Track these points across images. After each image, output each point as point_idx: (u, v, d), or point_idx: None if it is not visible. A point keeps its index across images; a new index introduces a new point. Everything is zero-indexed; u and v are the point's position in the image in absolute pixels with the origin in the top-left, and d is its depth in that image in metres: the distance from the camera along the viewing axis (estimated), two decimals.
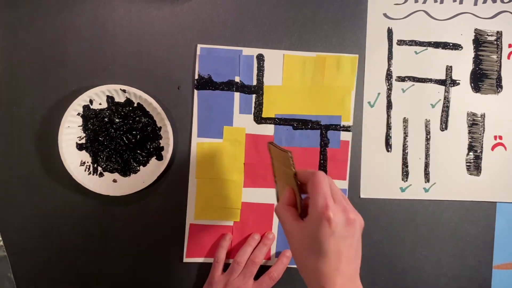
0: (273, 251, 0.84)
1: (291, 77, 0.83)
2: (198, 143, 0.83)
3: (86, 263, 0.84)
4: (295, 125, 0.83)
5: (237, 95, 0.83)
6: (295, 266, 0.84)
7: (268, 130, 0.83)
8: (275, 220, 0.84)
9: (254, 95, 0.83)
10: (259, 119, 0.83)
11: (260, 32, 0.83)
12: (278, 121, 0.83)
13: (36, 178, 0.82)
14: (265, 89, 0.83)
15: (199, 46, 0.82)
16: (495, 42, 0.84)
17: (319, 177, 0.57)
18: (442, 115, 0.84)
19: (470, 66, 0.84)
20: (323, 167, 0.84)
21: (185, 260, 0.84)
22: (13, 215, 0.83)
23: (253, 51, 0.83)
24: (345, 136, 0.84)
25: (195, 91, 0.82)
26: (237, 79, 0.83)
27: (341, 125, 0.83)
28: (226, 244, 0.83)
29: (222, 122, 0.83)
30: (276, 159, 0.69)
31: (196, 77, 0.82)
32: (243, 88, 0.83)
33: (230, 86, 0.83)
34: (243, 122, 0.83)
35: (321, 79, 0.83)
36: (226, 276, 0.80)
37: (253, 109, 0.83)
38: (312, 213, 0.56)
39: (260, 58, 0.83)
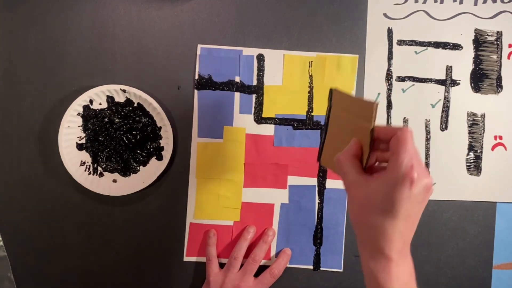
0: (273, 251, 0.84)
1: (291, 77, 0.82)
2: (198, 143, 0.83)
3: (86, 263, 0.83)
4: (295, 125, 0.83)
5: (237, 95, 0.82)
6: (295, 266, 0.84)
7: (268, 130, 0.83)
8: (275, 220, 0.84)
9: (254, 95, 0.82)
10: (259, 119, 0.83)
11: (260, 32, 0.82)
12: (278, 121, 0.83)
13: (36, 178, 0.82)
14: (265, 89, 0.83)
15: (199, 46, 0.82)
16: (495, 42, 0.83)
17: (408, 134, 0.51)
18: (442, 115, 0.84)
19: (470, 66, 0.84)
20: (323, 167, 0.83)
21: (185, 259, 0.84)
22: (13, 215, 0.83)
23: (253, 51, 0.82)
24: None
25: (196, 91, 0.82)
26: (237, 79, 0.82)
27: None
28: (212, 241, 0.83)
29: (222, 122, 0.82)
30: (341, 108, 0.61)
31: (197, 77, 0.82)
32: (243, 88, 0.82)
33: (230, 86, 0.82)
34: (243, 122, 0.83)
35: (321, 79, 0.82)
36: (224, 273, 0.79)
37: (253, 109, 0.82)
38: (392, 170, 0.51)
39: (260, 58, 0.82)
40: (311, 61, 0.82)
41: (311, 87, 0.83)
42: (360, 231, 0.55)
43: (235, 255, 0.80)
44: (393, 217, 0.50)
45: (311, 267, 0.84)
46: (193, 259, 0.84)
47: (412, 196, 0.50)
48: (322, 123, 0.83)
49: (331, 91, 0.62)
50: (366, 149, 0.55)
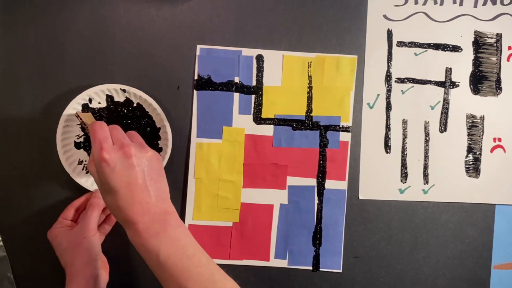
0: (272, 251, 0.84)
1: (290, 77, 0.82)
2: (197, 143, 0.82)
3: None
4: (294, 125, 0.83)
5: (236, 95, 0.82)
6: (294, 267, 0.84)
7: (267, 130, 0.82)
8: (275, 221, 0.83)
9: (253, 96, 0.82)
10: (259, 119, 0.82)
11: (259, 32, 0.82)
12: (278, 122, 0.82)
13: (35, 176, 0.82)
14: (264, 89, 0.82)
15: (198, 46, 0.82)
16: (495, 44, 0.83)
17: (93, 127, 0.63)
18: (441, 117, 0.84)
19: (469, 68, 0.83)
20: (322, 167, 0.83)
21: None
22: (12, 215, 0.82)
23: (253, 52, 0.82)
24: (344, 136, 0.83)
25: (195, 92, 0.82)
26: (236, 79, 0.82)
27: (340, 126, 0.83)
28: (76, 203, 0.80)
29: (221, 123, 0.82)
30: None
31: (196, 77, 0.82)
32: (243, 89, 0.82)
33: (229, 86, 0.82)
34: (243, 123, 0.82)
35: (321, 80, 0.82)
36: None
37: (252, 109, 0.82)
38: (94, 160, 0.61)
39: (260, 58, 0.82)
40: (310, 62, 0.82)
41: (310, 88, 0.82)
42: (114, 215, 0.62)
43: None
44: (115, 193, 0.59)
45: (310, 268, 0.84)
46: None
47: (116, 169, 0.59)
48: (322, 123, 0.83)
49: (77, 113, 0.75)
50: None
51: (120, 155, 0.60)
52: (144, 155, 0.62)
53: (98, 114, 0.80)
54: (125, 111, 0.80)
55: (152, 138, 0.80)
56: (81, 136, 0.80)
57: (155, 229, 0.59)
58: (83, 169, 0.80)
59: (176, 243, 0.59)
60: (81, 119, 0.75)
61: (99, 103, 0.80)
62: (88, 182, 0.79)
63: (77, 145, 0.80)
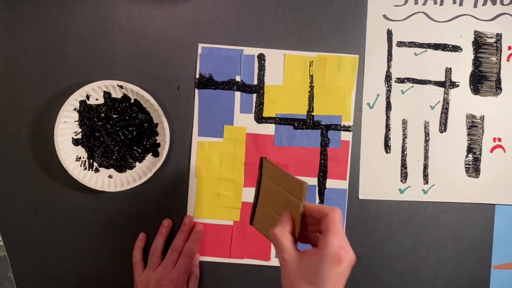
0: (273, 250, 0.83)
1: (292, 76, 0.82)
2: (198, 142, 0.82)
3: (84, 261, 0.83)
4: (295, 124, 0.82)
5: (238, 94, 0.82)
6: None
7: (268, 129, 0.82)
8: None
9: (255, 95, 0.82)
10: (260, 118, 0.82)
11: (259, 33, 0.82)
12: (279, 121, 0.82)
13: (32, 173, 0.81)
14: (266, 88, 0.82)
15: (200, 45, 0.82)
16: (495, 44, 0.83)
17: (338, 216, 0.57)
18: (441, 117, 0.83)
19: (469, 68, 0.83)
20: (323, 166, 0.82)
21: None
22: (11, 214, 0.82)
23: (254, 51, 0.82)
24: (346, 136, 0.83)
25: (196, 90, 0.82)
26: (238, 78, 0.82)
27: (342, 125, 0.82)
28: (138, 245, 0.82)
29: (222, 121, 0.82)
30: (272, 178, 0.64)
31: (197, 76, 0.81)
32: (244, 88, 0.82)
33: (231, 85, 0.82)
34: (244, 122, 0.82)
35: (322, 79, 0.82)
36: (147, 271, 0.79)
37: (253, 108, 0.82)
38: (323, 249, 0.56)
39: (261, 57, 0.82)
40: (312, 61, 0.82)
41: (311, 87, 0.82)
42: None
43: (152, 252, 0.80)
44: (317, 285, 0.55)
45: None
46: None
47: (339, 272, 0.55)
48: (323, 123, 0.82)
49: (261, 160, 0.65)
50: (297, 223, 0.60)
51: (349, 261, 0.57)
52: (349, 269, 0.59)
53: (96, 110, 0.79)
54: (123, 107, 0.80)
55: (149, 133, 0.80)
56: (78, 133, 0.81)
57: None
58: (81, 165, 0.80)
59: None
60: (263, 169, 0.67)
61: (97, 99, 0.80)
62: (85, 178, 0.79)
63: (75, 142, 0.80)
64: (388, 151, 0.83)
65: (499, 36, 0.83)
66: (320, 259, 0.56)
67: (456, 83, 0.83)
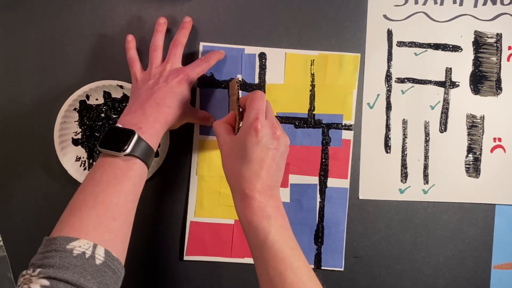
0: None
1: (293, 75, 0.81)
2: (200, 140, 0.81)
3: None
4: (296, 123, 0.82)
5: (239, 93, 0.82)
6: None
7: None
8: None
9: None
10: None
11: (259, 33, 0.81)
12: (280, 120, 0.81)
13: (32, 173, 0.81)
14: (267, 87, 0.82)
15: (201, 44, 0.81)
16: (495, 44, 0.83)
17: (257, 94, 0.64)
18: (441, 117, 0.83)
19: (469, 68, 0.82)
20: (324, 165, 0.82)
21: (185, 258, 0.82)
22: (11, 214, 0.82)
23: (256, 50, 0.81)
24: (347, 134, 0.82)
25: (197, 89, 0.81)
26: (239, 77, 0.81)
27: (343, 124, 0.82)
28: (131, 45, 0.77)
29: None
30: (232, 93, 0.74)
31: None
32: (245, 86, 0.81)
33: None
34: None
35: (323, 78, 0.81)
36: (149, 67, 0.74)
37: None
38: (244, 124, 0.62)
39: (262, 56, 0.81)
40: (313, 60, 0.81)
41: (313, 86, 0.81)
42: (229, 179, 0.64)
43: (153, 48, 0.75)
44: (248, 162, 0.60)
45: (312, 266, 0.82)
46: (193, 258, 0.83)
47: (261, 143, 0.60)
48: (324, 121, 0.82)
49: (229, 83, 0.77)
50: (237, 115, 0.69)
51: (269, 132, 0.61)
52: (285, 142, 0.64)
53: (96, 110, 0.79)
54: (123, 107, 0.80)
55: None
56: (78, 133, 0.80)
57: (268, 212, 0.60)
58: (80, 165, 0.80)
59: (284, 232, 0.60)
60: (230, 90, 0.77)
61: (97, 99, 0.80)
62: (83, 177, 0.78)
63: (75, 142, 0.80)
64: (388, 151, 0.83)
65: (499, 36, 0.82)
66: (242, 132, 0.62)
67: (456, 83, 0.83)
